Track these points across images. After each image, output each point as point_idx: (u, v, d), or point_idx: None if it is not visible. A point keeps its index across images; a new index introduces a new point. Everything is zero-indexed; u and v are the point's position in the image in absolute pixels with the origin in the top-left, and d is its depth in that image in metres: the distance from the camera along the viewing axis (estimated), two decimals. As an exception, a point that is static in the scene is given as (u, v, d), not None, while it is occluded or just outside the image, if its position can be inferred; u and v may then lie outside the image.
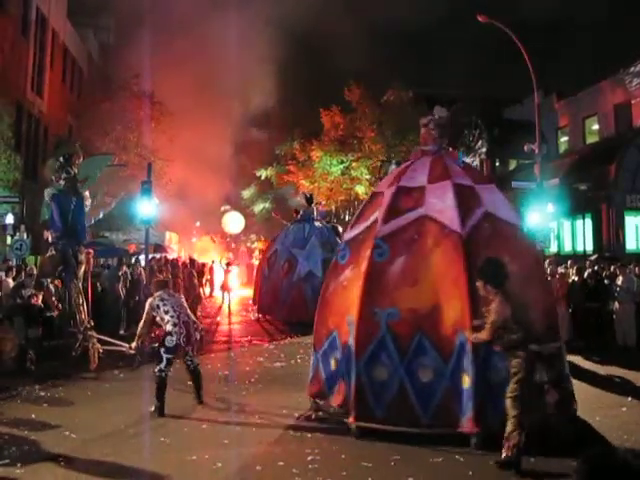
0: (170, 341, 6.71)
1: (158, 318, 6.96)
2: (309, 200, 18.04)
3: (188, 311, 7.15)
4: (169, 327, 6.77)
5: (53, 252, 9.95)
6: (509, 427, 4.99)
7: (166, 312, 6.84)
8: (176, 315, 6.83)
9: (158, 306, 6.89)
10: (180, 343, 6.75)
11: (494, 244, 6.06)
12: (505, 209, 6.59)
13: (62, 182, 9.80)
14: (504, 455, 4.97)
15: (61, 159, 10.13)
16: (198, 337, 7.30)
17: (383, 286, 6.05)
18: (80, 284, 9.96)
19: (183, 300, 7.29)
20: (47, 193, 9.91)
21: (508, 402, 5.05)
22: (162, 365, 6.72)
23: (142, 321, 7.12)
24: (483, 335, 5.23)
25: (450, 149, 7.37)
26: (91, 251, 12.83)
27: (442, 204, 6.30)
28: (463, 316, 5.69)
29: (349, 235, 6.86)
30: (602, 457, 1.19)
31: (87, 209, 10.62)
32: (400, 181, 6.73)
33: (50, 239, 9.97)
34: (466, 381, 5.61)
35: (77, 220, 9.83)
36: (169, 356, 6.75)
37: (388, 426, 5.75)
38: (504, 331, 5.12)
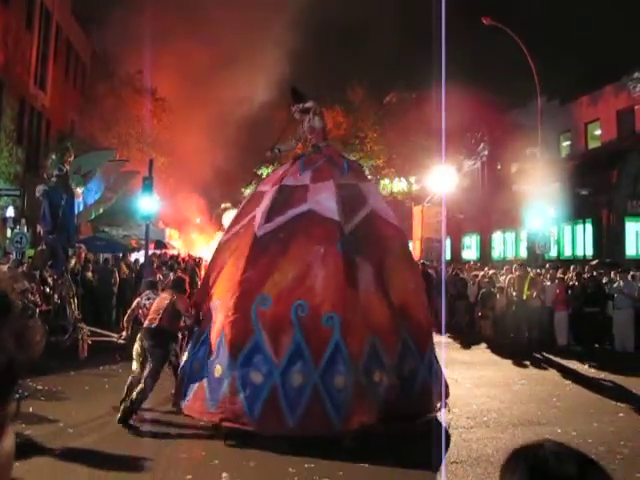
0: None
1: None
2: None
3: None
4: None
5: (43, 246, 10.10)
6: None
7: None
8: None
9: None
10: None
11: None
12: (328, 204, 6.65)
13: (53, 179, 9.95)
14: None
15: (53, 156, 10.30)
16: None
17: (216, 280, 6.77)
18: (70, 277, 10.07)
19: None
20: (38, 189, 10.07)
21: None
22: None
23: (127, 315, 7.51)
24: None
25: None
26: (82, 246, 12.87)
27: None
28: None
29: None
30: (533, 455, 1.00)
31: (80, 206, 10.73)
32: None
33: (42, 234, 10.12)
34: (218, 370, 5.96)
35: (67, 216, 9.95)
36: None
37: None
38: None
